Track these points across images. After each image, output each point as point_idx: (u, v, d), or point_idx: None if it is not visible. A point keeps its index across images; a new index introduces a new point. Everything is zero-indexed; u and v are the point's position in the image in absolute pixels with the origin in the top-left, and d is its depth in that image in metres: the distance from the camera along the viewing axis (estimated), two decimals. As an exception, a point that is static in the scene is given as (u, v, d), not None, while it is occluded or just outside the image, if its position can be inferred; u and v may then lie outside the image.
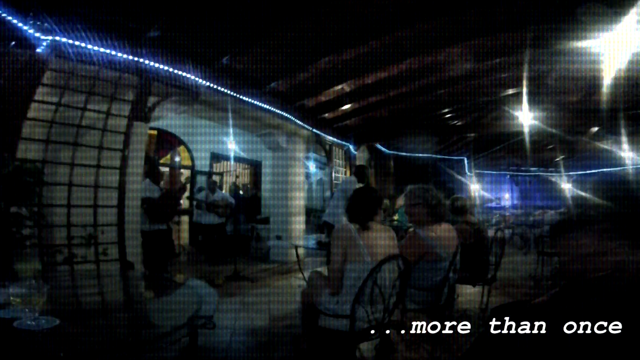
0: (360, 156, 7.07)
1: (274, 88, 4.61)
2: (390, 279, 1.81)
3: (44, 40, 2.56)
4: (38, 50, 2.55)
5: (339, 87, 4.85)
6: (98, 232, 2.70)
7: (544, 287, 3.78)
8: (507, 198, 13.08)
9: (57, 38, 2.61)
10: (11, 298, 0.99)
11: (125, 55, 2.98)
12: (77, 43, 2.71)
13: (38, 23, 2.50)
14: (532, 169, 12.11)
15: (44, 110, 2.67)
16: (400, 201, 6.41)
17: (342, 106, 5.53)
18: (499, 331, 1.55)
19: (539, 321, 1.50)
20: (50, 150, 2.71)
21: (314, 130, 5.72)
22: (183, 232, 6.82)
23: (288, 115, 4.98)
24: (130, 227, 2.96)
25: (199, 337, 2.19)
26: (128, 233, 2.89)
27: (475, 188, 9.86)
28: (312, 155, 6.76)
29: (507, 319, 1.58)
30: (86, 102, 2.84)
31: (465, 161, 9.86)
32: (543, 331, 1.42)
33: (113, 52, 2.91)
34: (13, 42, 2.43)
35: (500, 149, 9.52)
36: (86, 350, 0.94)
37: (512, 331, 1.50)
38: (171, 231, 4.15)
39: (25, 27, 2.47)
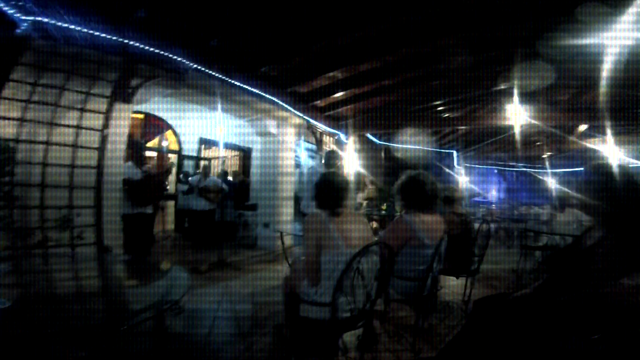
0: (352, 146, 7.01)
1: (265, 72, 4.49)
2: (370, 268, 1.78)
3: (25, 21, 2.47)
4: (18, 30, 2.46)
5: (332, 74, 4.76)
6: (74, 214, 2.60)
7: (525, 281, 3.85)
8: (494, 192, 13.28)
9: (39, 18, 2.51)
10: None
11: (109, 36, 2.87)
12: (59, 24, 2.61)
13: (19, 3, 2.40)
14: (520, 164, 12.28)
15: (20, 91, 2.60)
16: (372, 192, 6.43)
17: (335, 94, 5.43)
18: (481, 323, 1.56)
19: (519, 313, 1.51)
20: (25, 129, 2.60)
21: (305, 117, 5.63)
22: (168, 218, 6.71)
23: (279, 101, 4.87)
24: (109, 210, 2.87)
25: (177, 324, 2.16)
26: (106, 216, 2.80)
27: (463, 181, 9.96)
28: (302, 142, 6.67)
29: (489, 311, 1.59)
30: (65, 83, 2.75)
31: (455, 154, 9.92)
32: (523, 323, 1.44)
33: (97, 33, 2.79)
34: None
35: (489, 144, 9.59)
36: (34, 333, 0.90)
37: (494, 323, 1.52)
38: (153, 216, 4.06)
39: (5, 8, 2.38)
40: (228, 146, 7.50)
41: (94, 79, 2.89)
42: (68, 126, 2.77)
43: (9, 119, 2.51)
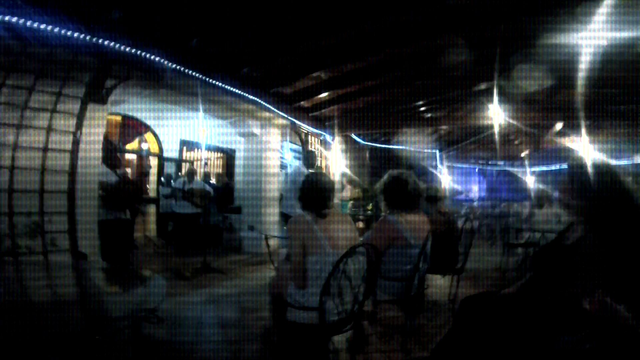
0: (337, 146, 7.01)
1: (248, 73, 4.41)
2: (357, 270, 1.76)
3: None
4: None
5: (316, 74, 4.73)
6: (45, 220, 2.46)
7: (510, 278, 3.92)
8: (475, 190, 13.59)
9: (7, 18, 2.35)
10: None
11: (82, 36, 2.70)
12: (29, 23, 2.44)
13: None
14: (500, 162, 12.62)
15: None
16: (355, 193, 6.46)
17: (320, 94, 5.41)
18: (468, 322, 1.56)
19: (506, 312, 1.51)
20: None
21: (290, 118, 5.58)
22: (149, 223, 6.50)
23: (262, 102, 4.80)
24: (83, 215, 2.73)
25: (161, 332, 2.07)
26: (80, 221, 2.66)
27: (446, 180, 10.14)
28: (287, 144, 6.62)
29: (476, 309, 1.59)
30: (34, 84, 2.60)
31: (438, 154, 10.09)
32: (510, 321, 1.45)
33: (69, 33, 2.62)
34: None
35: (470, 143, 9.80)
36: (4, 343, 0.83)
37: (481, 322, 1.51)
38: (132, 221, 3.90)
39: None
40: (210, 148, 7.35)
41: (66, 79, 2.75)
42: (38, 128, 2.63)
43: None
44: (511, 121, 6.17)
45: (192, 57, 3.65)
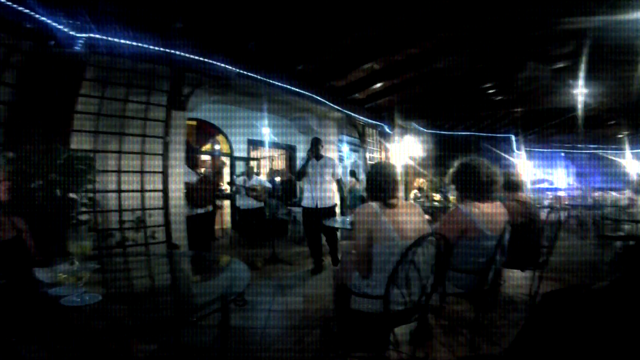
0: (396, 137, 6.81)
1: (303, 70, 4.53)
2: (426, 260, 1.72)
3: (79, 38, 2.64)
4: (76, 47, 2.64)
5: (368, 65, 4.65)
6: (146, 215, 2.87)
7: (602, 274, 3.42)
8: (561, 177, 11.98)
9: (92, 35, 2.68)
10: (58, 274, 1.09)
11: (155, 48, 3.00)
12: (110, 39, 2.76)
13: (71, 22, 2.58)
14: (591, 146, 10.93)
15: (90, 104, 2.88)
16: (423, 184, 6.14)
17: (373, 85, 5.32)
18: (550, 319, 1.42)
19: (597, 308, 1.35)
20: (100, 140, 2.93)
21: (345, 111, 5.60)
22: (226, 216, 7.15)
23: (317, 97, 4.90)
24: (175, 211, 3.14)
25: (235, 319, 2.27)
26: (173, 216, 3.07)
27: (524, 167, 9.13)
28: (344, 137, 6.65)
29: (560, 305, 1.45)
30: (127, 94, 3.02)
31: (513, 139, 9.14)
32: (601, 319, 1.29)
33: (145, 45, 2.93)
34: (52, 42, 2.53)
35: (553, 125, 8.68)
36: (121, 324, 1.01)
37: (565, 318, 1.37)
38: (213, 215, 4.32)
39: (60, 27, 2.53)
40: (274, 146, 7.75)
41: (150, 89, 3.13)
42: (135, 135, 3.07)
43: (85, 131, 2.83)
44: (602, 100, 5.32)
45: (251, 60, 3.87)
